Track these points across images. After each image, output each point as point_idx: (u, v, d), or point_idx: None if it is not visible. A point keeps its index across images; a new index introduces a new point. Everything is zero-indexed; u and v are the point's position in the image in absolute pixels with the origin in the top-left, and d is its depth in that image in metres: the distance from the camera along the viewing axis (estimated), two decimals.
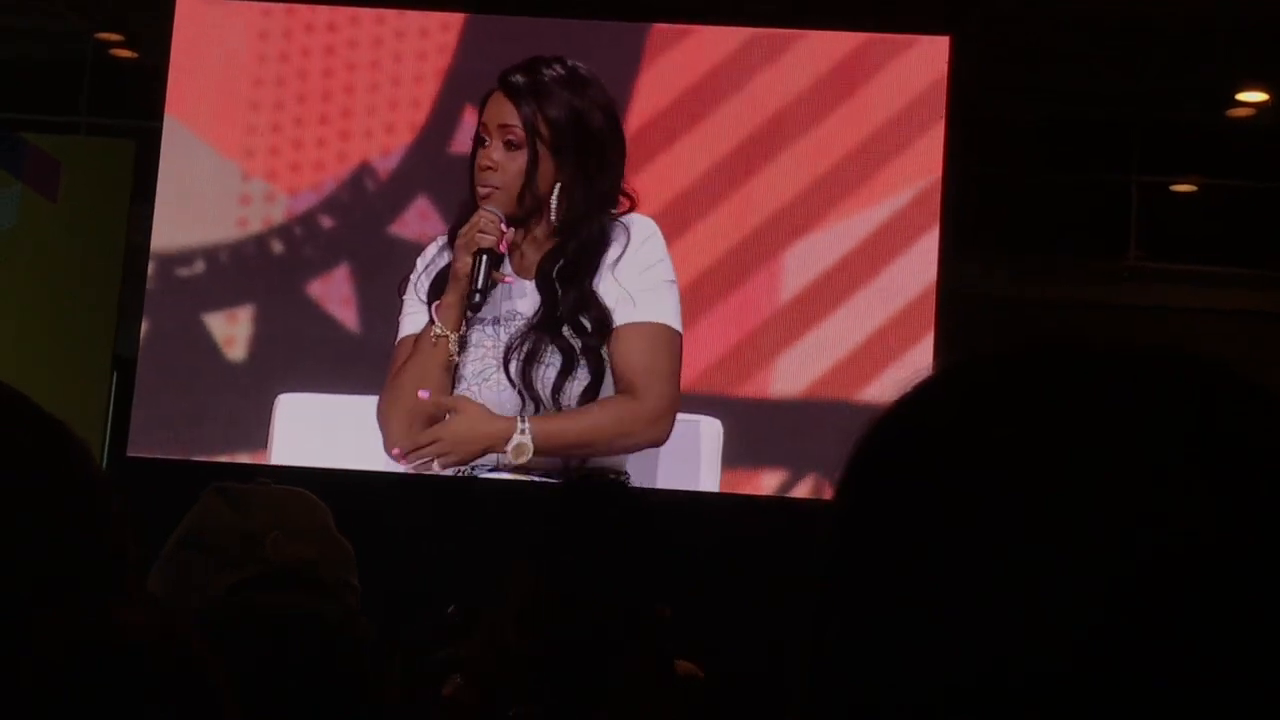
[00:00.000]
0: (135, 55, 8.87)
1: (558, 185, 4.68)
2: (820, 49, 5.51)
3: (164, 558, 1.77)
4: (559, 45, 5.20)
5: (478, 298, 4.63)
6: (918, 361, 5.16)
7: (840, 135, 5.47)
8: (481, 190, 4.69)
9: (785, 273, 5.43)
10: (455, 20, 5.59)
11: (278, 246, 5.54)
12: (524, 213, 4.71)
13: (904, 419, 0.69)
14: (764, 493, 5.27)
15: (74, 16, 8.51)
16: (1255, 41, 7.92)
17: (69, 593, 0.98)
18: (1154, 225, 9.70)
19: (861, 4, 5.70)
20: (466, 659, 2.38)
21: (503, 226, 4.64)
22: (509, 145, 4.69)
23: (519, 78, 4.74)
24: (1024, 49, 7.94)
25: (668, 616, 2.34)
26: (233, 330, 5.49)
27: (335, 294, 5.49)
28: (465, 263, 4.63)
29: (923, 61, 5.46)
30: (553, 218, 4.69)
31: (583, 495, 2.42)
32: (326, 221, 5.53)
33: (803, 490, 5.29)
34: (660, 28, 5.56)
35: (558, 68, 4.78)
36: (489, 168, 4.69)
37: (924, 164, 5.41)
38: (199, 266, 5.52)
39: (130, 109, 7.83)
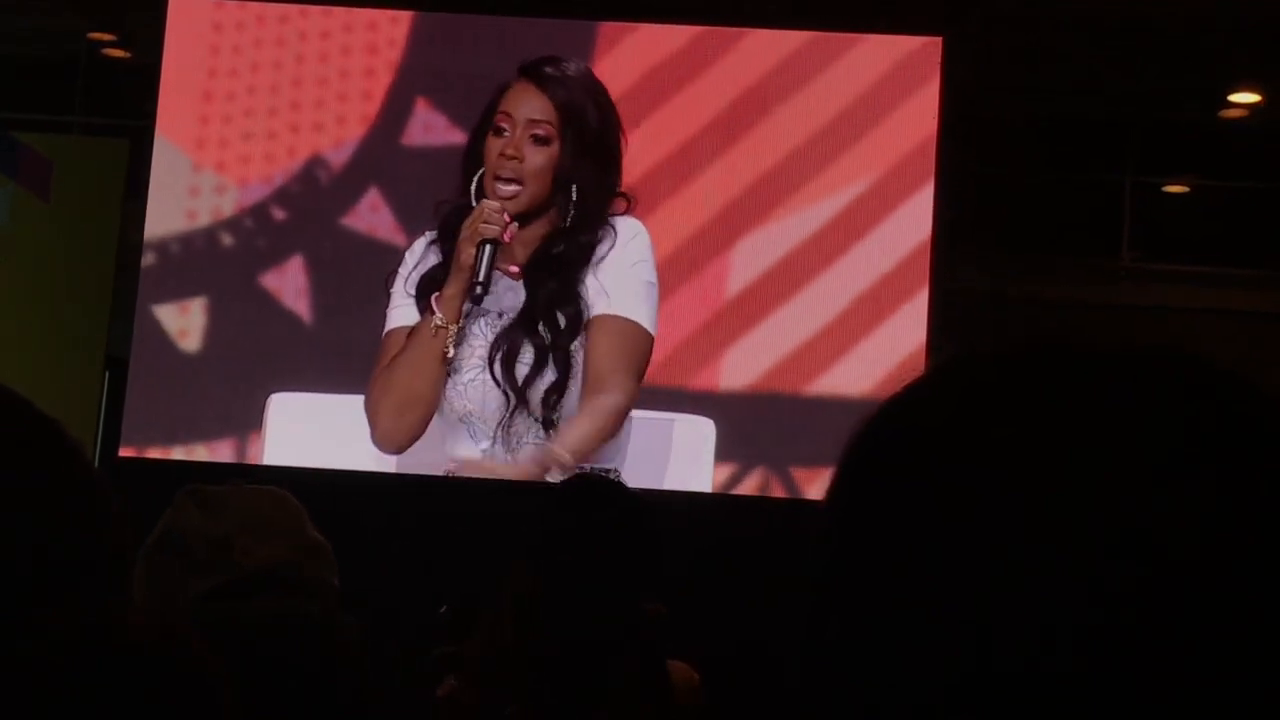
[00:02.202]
0: (128, 55, 8.85)
1: (575, 185, 4.67)
2: (807, 38, 5.49)
3: (139, 562, 1.75)
4: (510, 38, 5.20)
5: (479, 290, 4.62)
6: (910, 358, 5.14)
7: (826, 115, 5.43)
8: (504, 186, 4.65)
9: (766, 263, 5.39)
10: (405, 14, 5.58)
11: (228, 239, 5.52)
12: (535, 209, 4.70)
13: (899, 418, 0.69)
14: (757, 490, 5.25)
15: (68, 16, 8.50)
16: (1249, 42, 7.92)
17: (69, 593, 0.98)
18: (1148, 225, 9.71)
19: (859, 4, 5.69)
20: (465, 658, 2.38)
21: (506, 218, 4.63)
22: (537, 140, 4.67)
23: (551, 70, 4.72)
24: (1021, 49, 7.94)
25: (663, 614, 2.34)
26: (185, 322, 5.46)
27: (290, 286, 5.46)
28: (469, 254, 4.61)
29: (908, 50, 5.43)
30: (568, 217, 4.68)
31: (580, 495, 2.42)
32: (278, 213, 5.51)
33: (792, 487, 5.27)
34: (607, 26, 5.49)
35: (576, 67, 4.78)
36: (513, 157, 4.65)
37: (919, 150, 5.38)
38: (150, 258, 5.50)
39: (124, 108, 7.82)
